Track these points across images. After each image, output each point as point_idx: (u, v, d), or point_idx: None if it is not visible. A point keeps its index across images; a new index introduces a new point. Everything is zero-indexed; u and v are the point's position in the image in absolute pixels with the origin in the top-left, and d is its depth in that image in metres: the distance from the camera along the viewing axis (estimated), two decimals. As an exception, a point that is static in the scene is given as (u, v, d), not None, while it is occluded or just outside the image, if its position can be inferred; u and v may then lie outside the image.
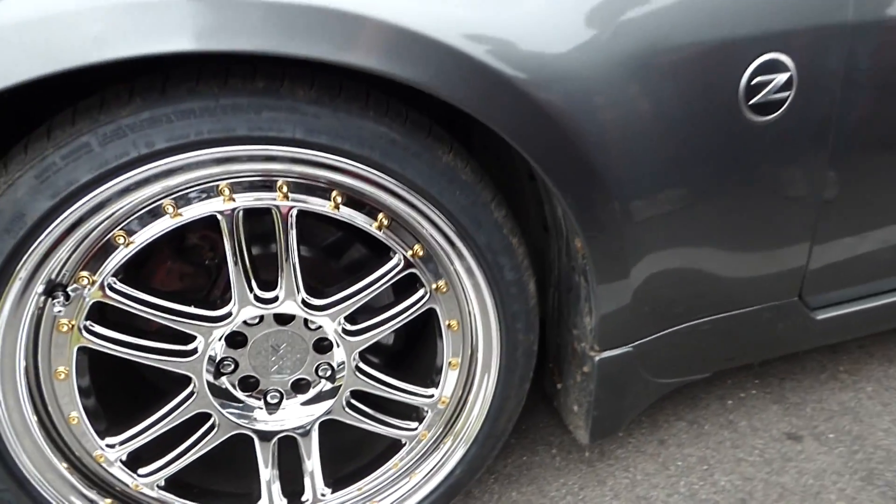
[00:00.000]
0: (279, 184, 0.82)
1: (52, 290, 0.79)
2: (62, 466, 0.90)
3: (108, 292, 0.82)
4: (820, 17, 0.87)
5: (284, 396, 0.99)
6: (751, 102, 0.87)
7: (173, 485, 0.98)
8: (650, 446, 1.27)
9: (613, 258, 0.93)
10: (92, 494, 0.93)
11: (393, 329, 0.96)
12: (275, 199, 0.83)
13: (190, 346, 0.90)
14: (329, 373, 0.99)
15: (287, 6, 0.69)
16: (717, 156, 0.91)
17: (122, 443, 0.92)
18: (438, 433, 1.05)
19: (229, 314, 0.88)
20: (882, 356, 1.49)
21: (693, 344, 1.10)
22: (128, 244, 0.81)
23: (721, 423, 1.33)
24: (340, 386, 0.98)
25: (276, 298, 0.89)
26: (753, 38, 0.85)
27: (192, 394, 0.92)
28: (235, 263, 0.85)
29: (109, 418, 0.93)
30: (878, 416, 1.33)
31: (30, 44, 0.65)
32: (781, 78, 0.87)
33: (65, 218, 0.75)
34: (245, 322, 0.91)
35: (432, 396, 1.02)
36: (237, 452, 1.01)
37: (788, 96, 0.89)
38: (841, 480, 1.20)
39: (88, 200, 0.75)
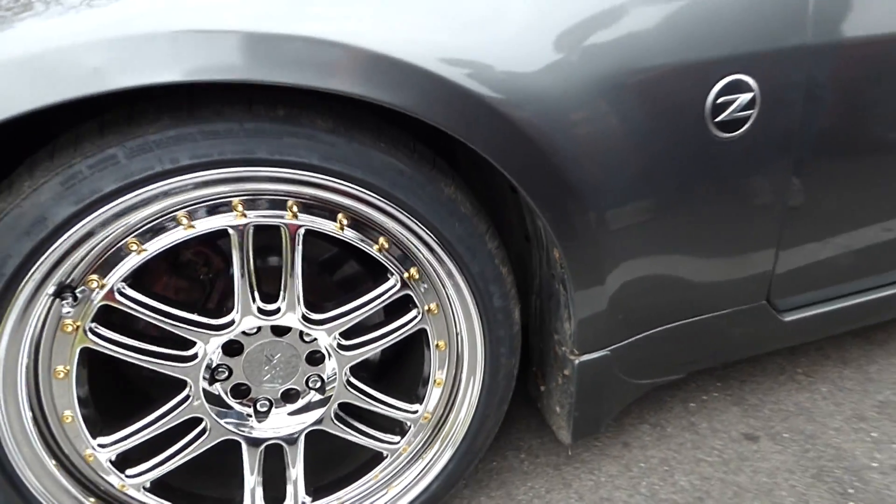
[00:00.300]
0: (290, 204, 0.87)
1: (61, 291, 0.82)
2: (51, 463, 0.92)
3: (117, 296, 0.86)
4: (780, 40, 0.93)
5: (274, 405, 1.03)
6: (716, 120, 0.93)
7: (158, 487, 1.00)
8: (615, 449, 1.33)
9: (590, 267, 0.98)
10: (77, 492, 0.95)
11: (385, 346, 1.01)
12: (284, 218, 0.87)
13: (189, 352, 0.93)
14: (319, 384, 1.03)
15: (275, 37, 0.74)
16: (685, 169, 0.96)
17: (113, 443, 0.94)
18: (419, 448, 1.10)
19: (231, 323, 0.92)
20: (838, 358, 1.57)
21: (667, 347, 1.15)
22: (140, 252, 0.84)
23: (683, 425, 1.39)
24: (330, 397, 1.03)
25: (277, 310, 0.93)
26: (718, 60, 0.91)
27: (187, 398, 0.95)
28: (242, 276, 0.89)
29: (102, 420, 0.95)
30: (830, 415, 1.40)
31: (32, 76, 0.69)
32: (745, 97, 0.93)
33: (84, 224, 0.78)
34: (243, 332, 0.95)
35: (416, 412, 1.07)
36: (220, 458, 1.04)
37: (752, 114, 0.94)
38: (793, 478, 1.25)
39: (109, 209, 0.79)
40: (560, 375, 1.12)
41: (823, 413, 1.41)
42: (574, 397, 1.10)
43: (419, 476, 1.11)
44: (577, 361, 1.07)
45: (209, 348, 0.93)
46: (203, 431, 0.99)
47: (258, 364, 0.99)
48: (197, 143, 0.78)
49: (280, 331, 0.97)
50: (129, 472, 0.97)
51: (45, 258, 0.79)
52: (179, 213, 0.84)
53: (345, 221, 0.90)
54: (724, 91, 0.92)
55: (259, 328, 0.96)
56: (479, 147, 0.84)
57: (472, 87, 0.80)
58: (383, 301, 0.97)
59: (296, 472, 1.05)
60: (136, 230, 0.83)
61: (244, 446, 1.01)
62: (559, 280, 1.02)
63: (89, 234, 0.80)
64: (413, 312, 1.00)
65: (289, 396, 1.03)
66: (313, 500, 1.08)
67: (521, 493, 1.24)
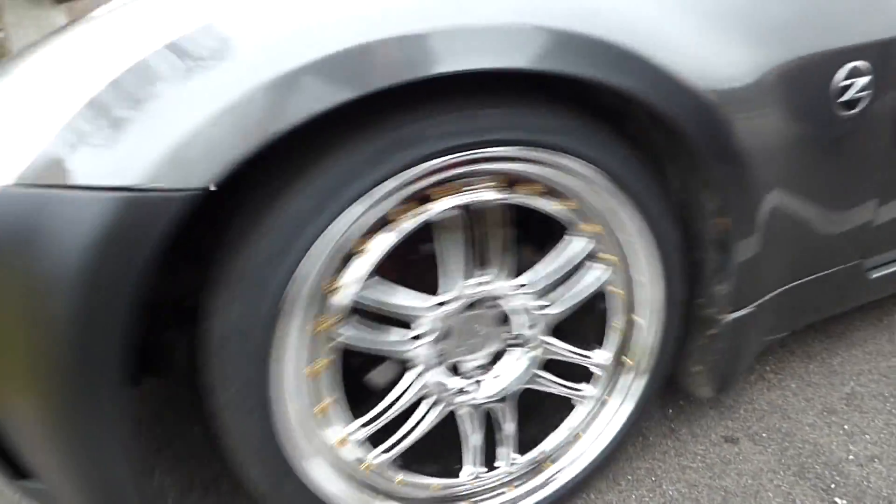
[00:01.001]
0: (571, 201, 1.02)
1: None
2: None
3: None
4: (886, 32, 1.13)
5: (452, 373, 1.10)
6: (840, 100, 1.11)
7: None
8: (601, 462, 1.30)
9: (749, 232, 1.11)
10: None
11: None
12: (558, 209, 1.02)
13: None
14: (479, 381, 1.11)
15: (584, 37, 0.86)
16: (817, 139, 1.13)
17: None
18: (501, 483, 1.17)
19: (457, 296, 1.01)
20: (802, 353, 1.62)
21: (786, 304, 1.28)
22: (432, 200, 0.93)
23: (664, 432, 1.39)
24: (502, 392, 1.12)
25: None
26: (841, 50, 1.09)
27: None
28: (503, 243, 1.01)
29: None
30: (803, 411, 1.43)
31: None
32: (863, 80, 1.12)
33: (426, 166, 0.87)
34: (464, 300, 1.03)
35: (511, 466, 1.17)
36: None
37: (868, 94, 1.13)
38: (776, 478, 1.26)
39: (447, 159, 0.88)
40: (702, 336, 1.22)
41: (796, 409, 1.43)
42: (719, 354, 1.22)
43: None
44: (725, 320, 1.19)
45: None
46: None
47: (467, 333, 1.06)
48: (520, 123, 0.91)
49: (488, 301, 1.06)
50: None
51: (388, 186, 0.86)
52: (460, 183, 0.94)
53: (597, 229, 1.05)
54: (847, 76, 1.10)
55: (480, 299, 1.04)
56: (690, 134, 0.97)
57: (691, 81, 0.95)
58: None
59: (415, 434, 1.07)
60: (442, 182, 0.92)
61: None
62: (715, 247, 1.14)
63: (427, 175, 0.89)
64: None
65: (459, 371, 1.10)
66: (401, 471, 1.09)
67: (511, 517, 1.15)
